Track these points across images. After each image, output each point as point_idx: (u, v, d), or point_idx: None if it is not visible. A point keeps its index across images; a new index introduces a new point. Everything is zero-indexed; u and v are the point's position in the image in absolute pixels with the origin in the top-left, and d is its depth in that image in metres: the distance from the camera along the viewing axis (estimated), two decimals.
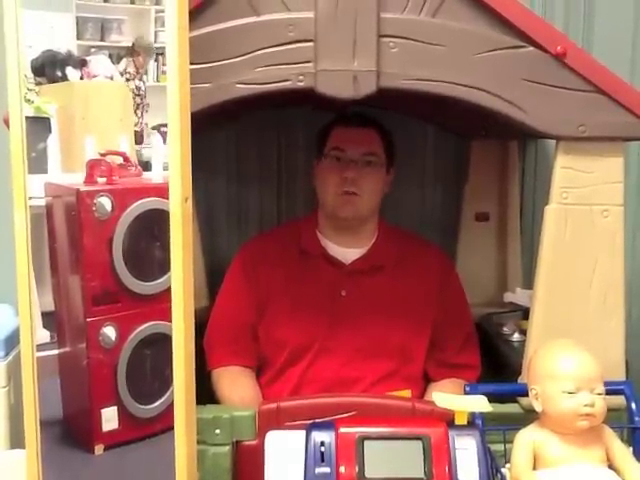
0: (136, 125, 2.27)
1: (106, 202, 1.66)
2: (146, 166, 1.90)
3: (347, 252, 1.72)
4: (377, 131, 1.71)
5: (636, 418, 1.33)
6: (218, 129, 2.06)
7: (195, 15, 1.27)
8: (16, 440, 1.62)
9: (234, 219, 2.14)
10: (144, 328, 1.72)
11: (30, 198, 1.23)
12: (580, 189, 1.38)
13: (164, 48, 1.15)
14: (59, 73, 2.13)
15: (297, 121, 2.05)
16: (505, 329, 1.85)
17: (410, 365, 1.68)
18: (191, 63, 1.18)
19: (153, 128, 2.27)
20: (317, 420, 1.28)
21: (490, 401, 1.24)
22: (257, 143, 2.12)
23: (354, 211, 1.67)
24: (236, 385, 1.66)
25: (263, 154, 2.13)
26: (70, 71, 2.15)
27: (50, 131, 1.92)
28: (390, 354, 1.65)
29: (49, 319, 1.77)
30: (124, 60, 2.42)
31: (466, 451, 1.18)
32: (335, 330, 1.64)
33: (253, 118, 2.07)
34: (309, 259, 1.72)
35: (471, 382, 1.65)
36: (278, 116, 2.08)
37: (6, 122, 1.23)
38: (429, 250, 1.79)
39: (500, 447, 1.29)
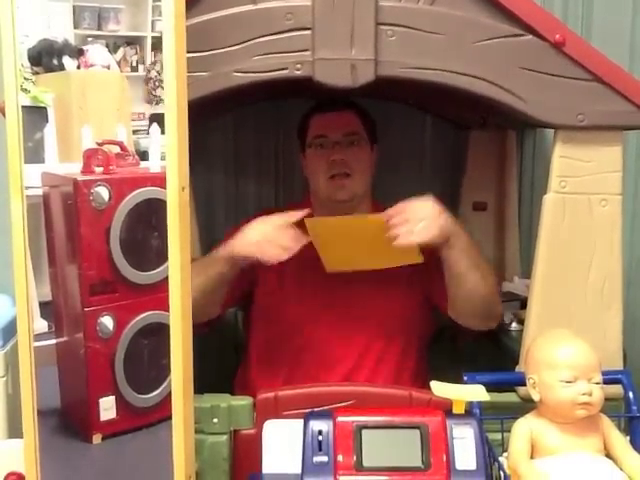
0: None
1: (103, 192, 1.66)
2: (144, 155, 1.89)
3: None
4: (354, 111, 1.73)
5: (633, 407, 1.33)
6: (216, 118, 2.05)
7: (192, 3, 1.27)
8: (14, 430, 1.62)
9: (232, 209, 2.14)
10: (142, 318, 1.72)
11: (27, 188, 1.22)
12: (578, 178, 1.38)
13: (161, 37, 1.14)
14: (56, 62, 2.11)
15: (295, 111, 2.04)
16: (503, 318, 1.85)
17: (408, 335, 1.69)
18: (188, 52, 1.18)
19: (150, 117, 2.25)
20: (315, 409, 1.28)
21: (488, 390, 1.25)
22: (255, 133, 2.12)
23: (348, 193, 1.68)
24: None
25: (261, 144, 2.13)
26: (67, 60, 2.14)
27: (47, 120, 1.91)
28: (388, 327, 1.66)
29: (47, 309, 1.77)
30: (121, 49, 2.41)
31: (464, 440, 1.19)
32: (331, 309, 1.64)
33: (251, 107, 2.07)
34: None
35: None
36: (276, 106, 2.07)
37: (2, 111, 1.22)
38: None
39: (498, 436, 1.29)
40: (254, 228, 1.51)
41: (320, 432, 1.20)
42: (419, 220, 1.46)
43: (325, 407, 1.29)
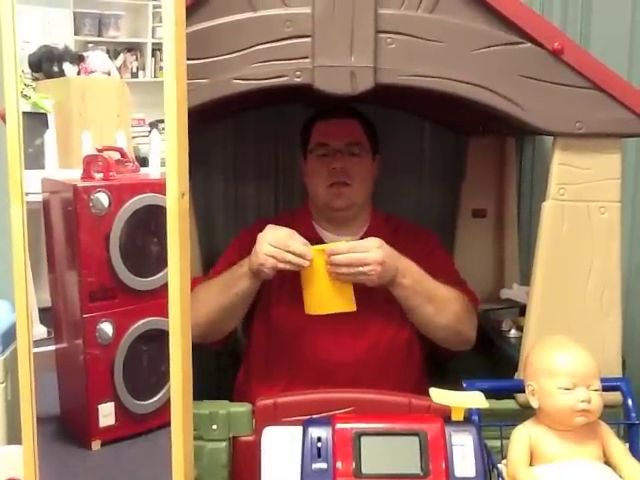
0: None
1: (103, 198, 1.66)
2: (144, 162, 1.89)
3: (340, 240, 1.72)
4: (358, 120, 1.73)
5: (632, 414, 1.33)
6: (215, 124, 2.06)
7: (192, 11, 1.27)
8: (13, 436, 1.62)
9: (231, 215, 2.15)
10: (141, 324, 1.72)
11: (27, 194, 1.23)
12: (577, 185, 1.38)
13: (161, 44, 1.15)
14: (56, 69, 2.12)
15: (294, 117, 2.04)
16: (502, 325, 1.85)
17: (410, 345, 1.69)
18: (188, 59, 1.18)
19: (150, 124, 2.26)
20: (314, 416, 1.28)
21: (487, 397, 1.24)
22: (254, 139, 2.12)
23: (346, 201, 1.68)
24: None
25: (260, 150, 2.13)
26: (67, 67, 2.14)
27: (47, 127, 1.91)
28: (389, 336, 1.66)
29: (46, 315, 1.77)
30: (121, 55, 2.41)
31: (463, 447, 1.19)
32: (332, 318, 1.63)
33: (250, 114, 2.07)
34: None
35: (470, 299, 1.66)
36: (275, 112, 2.08)
37: (3, 117, 1.22)
38: (418, 233, 1.79)
39: (497, 443, 1.29)
40: (265, 239, 1.50)
41: (319, 439, 1.20)
42: (359, 264, 1.48)
43: (324, 414, 1.29)
